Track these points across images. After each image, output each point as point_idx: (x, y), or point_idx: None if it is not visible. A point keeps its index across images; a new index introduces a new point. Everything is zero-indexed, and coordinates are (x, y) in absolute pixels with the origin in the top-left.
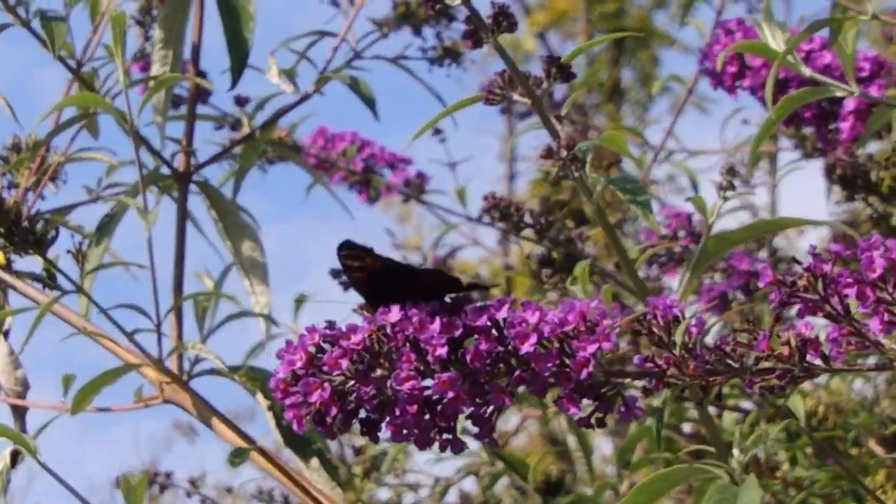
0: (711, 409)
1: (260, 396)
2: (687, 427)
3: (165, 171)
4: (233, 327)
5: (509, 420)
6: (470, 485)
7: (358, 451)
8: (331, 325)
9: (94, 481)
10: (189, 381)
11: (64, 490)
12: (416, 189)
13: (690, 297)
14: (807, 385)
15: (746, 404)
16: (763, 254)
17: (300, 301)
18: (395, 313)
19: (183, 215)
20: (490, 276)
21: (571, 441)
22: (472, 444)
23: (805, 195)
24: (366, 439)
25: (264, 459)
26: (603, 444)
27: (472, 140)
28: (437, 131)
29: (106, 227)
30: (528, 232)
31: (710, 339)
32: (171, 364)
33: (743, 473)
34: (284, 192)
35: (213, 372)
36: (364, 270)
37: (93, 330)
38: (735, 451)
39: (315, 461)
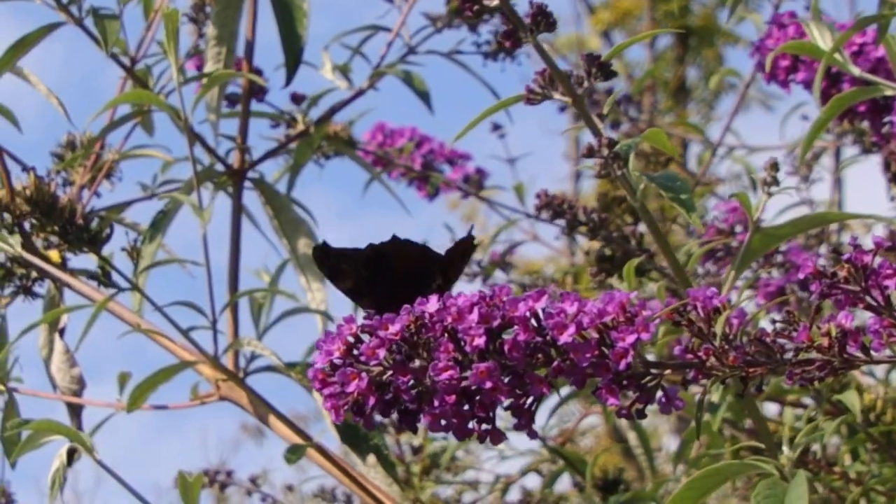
0: (773, 406)
1: (316, 393)
2: (749, 423)
3: (220, 167)
4: (289, 324)
5: (573, 414)
6: (532, 482)
7: (416, 450)
8: (370, 315)
9: (163, 483)
10: (245, 378)
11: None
12: (474, 185)
13: (747, 291)
14: (867, 380)
15: (808, 399)
16: (823, 249)
17: None
18: (433, 303)
19: (238, 212)
20: (556, 275)
21: (632, 438)
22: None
23: (873, 190)
24: (424, 437)
25: (322, 456)
26: (671, 443)
27: (539, 139)
28: (497, 127)
29: (160, 223)
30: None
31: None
32: (227, 361)
33: (793, 469)
34: (347, 187)
35: (269, 369)
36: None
37: (148, 327)
38: (784, 448)
39: (372, 458)
